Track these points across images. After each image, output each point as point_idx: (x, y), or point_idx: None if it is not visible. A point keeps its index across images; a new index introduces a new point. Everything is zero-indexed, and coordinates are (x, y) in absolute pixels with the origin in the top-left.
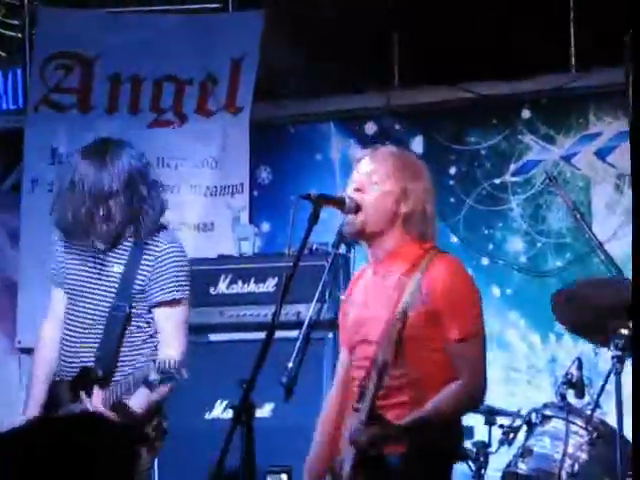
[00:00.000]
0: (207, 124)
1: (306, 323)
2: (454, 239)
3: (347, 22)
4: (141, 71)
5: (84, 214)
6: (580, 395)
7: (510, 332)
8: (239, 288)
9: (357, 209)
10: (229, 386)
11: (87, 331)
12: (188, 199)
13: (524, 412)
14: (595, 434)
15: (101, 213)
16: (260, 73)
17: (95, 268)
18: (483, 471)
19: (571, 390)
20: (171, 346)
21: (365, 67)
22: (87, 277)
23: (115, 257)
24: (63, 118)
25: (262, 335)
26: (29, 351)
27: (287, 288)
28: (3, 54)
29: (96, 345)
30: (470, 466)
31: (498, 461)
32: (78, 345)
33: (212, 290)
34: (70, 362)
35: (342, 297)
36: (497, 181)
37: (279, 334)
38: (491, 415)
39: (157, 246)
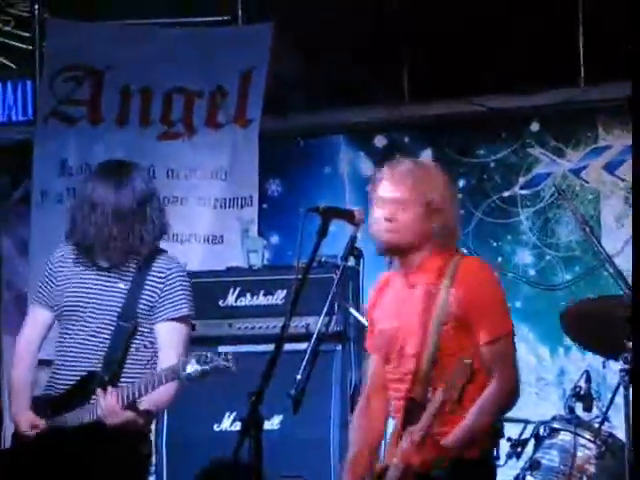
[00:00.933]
0: (217, 136)
1: (315, 336)
2: (463, 252)
3: (357, 36)
4: (151, 83)
5: (107, 234)
6: (588, 408)
7: (519, 345)
8: (248, 300)
9: (387, 230)
10: (237, 398)
11: (91, 344)
12: (197, 211)
13: (532, 425)
14: (603, 447)
15: (116, 232)
16: (269, 85)
17: (98, 285)
18: None
19: (579, 403)
20: (174, 358)
21: (375, 80)
22: (90, 293)
23: (118, 275)
24: (73, 130)
25: (271, 347)
26: (39, 362)
27: (296, 300)
28: (13, 66)
29: (102, 354)
30: None
31: (506, 474)
32: (81, 357)
33: (221, 302)
34: (73, 372)
35: (365, 305)
36: (506, 194)
37: (288, 346)
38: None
39: (164, 265)
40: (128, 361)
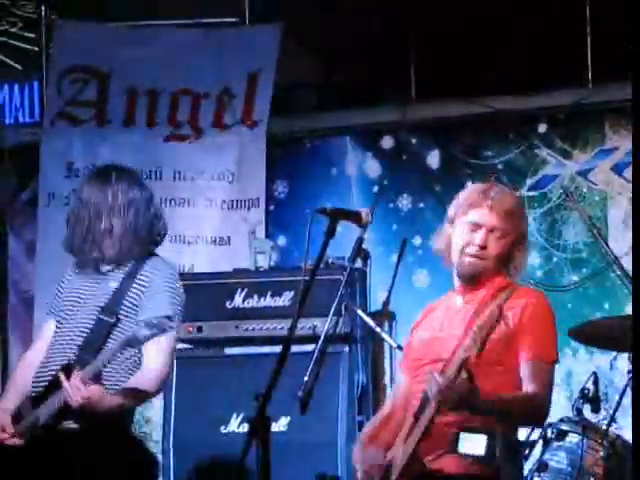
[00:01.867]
0: (223, 138)
1: (322, 337)
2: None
3: (364, 36)
4: (158, 85)
5: (86, 228)
6: (596, 410)
7: None
8: (255, 302)
9: (478, 257)
10: (245, 400)
11: (69, 338)
12: (204, 213)
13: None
14: (611, 449)
15: (103, 227)
16: (277, 87)
17: (91, 287)
18: None
19: (587, 405)
20: (156, 358)
21: (382, 81)
22: (82, 295)
23: (114, 275)
24: (80, 131)
25: (278, 349)
26: None
27: (303, 302)
28: (20, 67)
29: (78, 347)
30: None
31: None
32: (60, 352)
33: (228, 304)
34: (52, 368)
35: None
36: None
37: (295, 348)
38: None
39: (152, 267)
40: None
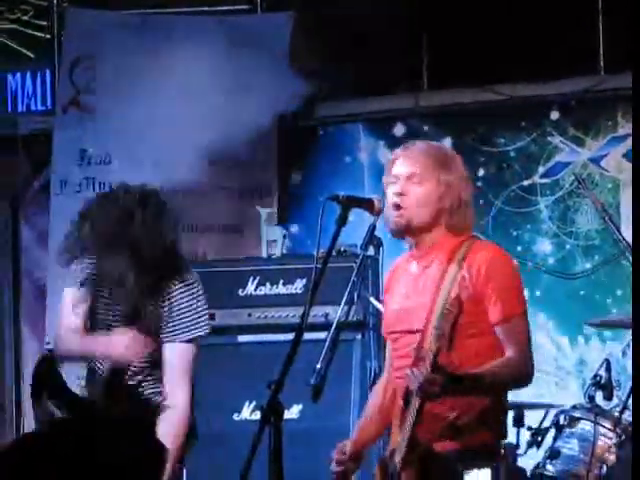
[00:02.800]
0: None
1: (334, 324)
2: (480, 237)
3: (376, 24)
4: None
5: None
6: (609, 397)
7: (539, 334)
8: (267, 289)
9: (399, 207)
10: (257, 387)
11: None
12: (217, 201)
13: (552, 414)
14: (623, 436)
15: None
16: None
17: None
18: None
19: (600, 392)
20: (178, 380)
21: (394, 69)
22: None
23: None
24: (92, 119)
25: (290, 336)
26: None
27: (315, 289)
28: (32, 55)
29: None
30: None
31: (526, 463)
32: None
33: (240, 292)
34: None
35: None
36: (526, 183)
37: (307, 335)
38: (519, 410)
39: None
40: None
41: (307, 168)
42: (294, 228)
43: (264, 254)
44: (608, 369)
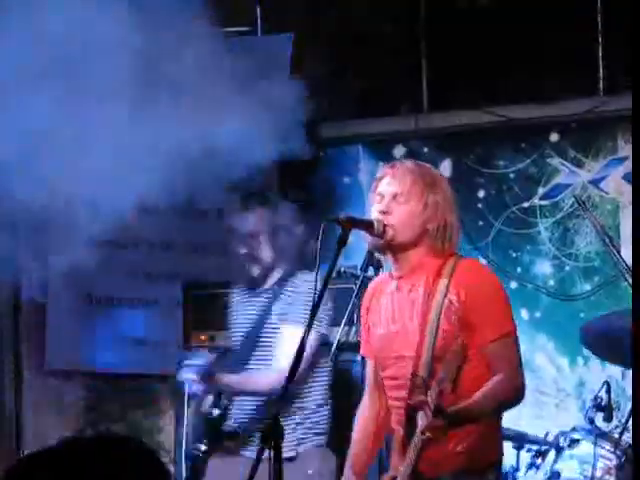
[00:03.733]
0: None
1: (334, 345)
2: (482, 262)
3: (377, 45)
4: None
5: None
6: (608, 419)
7: (539, 355)
8: None
9: (385, 229)
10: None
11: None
12: (217, 222)
13: (552, 435)
14: (623, 458)
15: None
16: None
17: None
18: None
19: (600, 413)
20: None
21: (394, 90)
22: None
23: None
24: None
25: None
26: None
27: (315, 311)
28: None
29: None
30: None
31: None
32: None
33: None
34: None
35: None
36: (526, 205)
37: None
38: (520, 441)
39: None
40: None
41: (307, 189)
42: None
43: None
44: (608, 391)
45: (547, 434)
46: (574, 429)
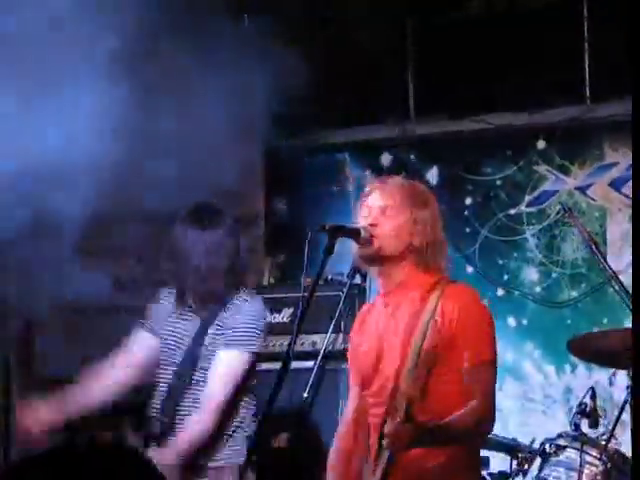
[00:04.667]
0: None
1: (321, 353)
2: (469, 269)
3: (363, 53)
4: None
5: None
6: (594, 425)
7: (525, 362)
8: None
9: (372, 240)
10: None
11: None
12: None
13: (539, 442)
14: (609, 464)
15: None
16: (276, 104)
17: (186, 323)
18: None
19: (585, 420)
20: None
21: (381, 98)
22: (179, 331)
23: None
24: None
25: (277, 365)
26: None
27: (302, 318)
28: None
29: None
30: None
31: None
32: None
33: None
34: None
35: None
36: (512, 212)
37: (295, 364)
38: (507, 447)
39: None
40: None
41: (293, 197)
42: (281, 257)
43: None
44: (593, 397)
45: (533, 441)
46: (560, 435)
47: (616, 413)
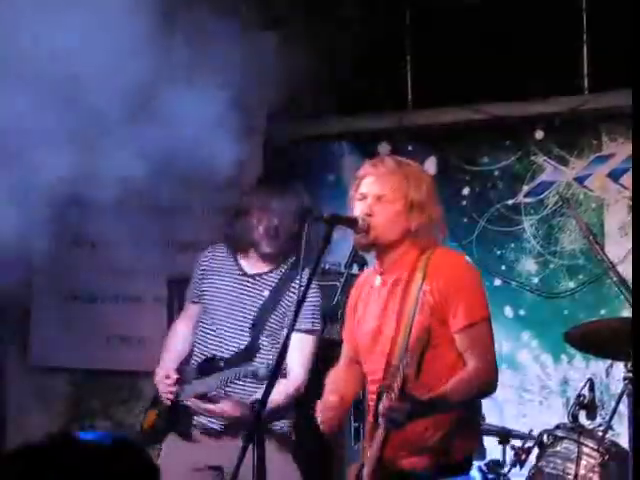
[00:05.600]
0: None
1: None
2: (457, 251)
3: (361, 43)
4: None
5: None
6: (592, 416)
7: (522, 353)
8: None
9: (369, 229)
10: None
11: (219, 340)
12: (201, 219)
13: (536, 433)
14: (607, 456)
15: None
16: (274, 93)
17: (244, 289)
18: None
19: (583, 411)
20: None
21: (379, 87)
22: (233, 296)
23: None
24: None
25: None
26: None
27: (300, 308)
28: None
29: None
30: None
31: None
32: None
33: None
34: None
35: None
36: (510, 202)
37: None
38: (504, 436)
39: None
40: None
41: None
42: None
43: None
44: (591, 388)
45: (531, 431)
46: (557, 427)
47: (613, 404)
